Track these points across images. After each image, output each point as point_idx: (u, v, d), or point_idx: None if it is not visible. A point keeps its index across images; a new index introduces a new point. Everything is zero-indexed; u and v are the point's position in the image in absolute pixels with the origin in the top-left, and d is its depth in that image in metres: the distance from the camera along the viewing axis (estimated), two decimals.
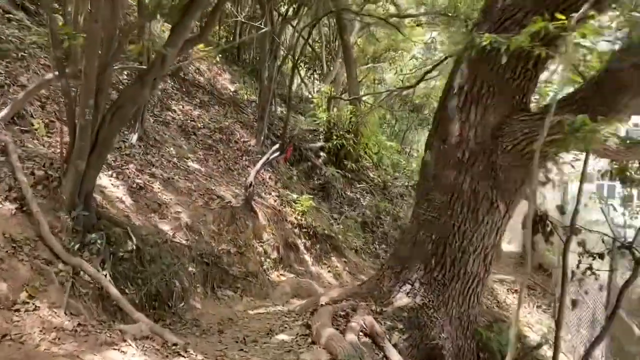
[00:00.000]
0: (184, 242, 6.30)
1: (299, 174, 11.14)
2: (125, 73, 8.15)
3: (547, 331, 7.03)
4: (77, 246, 4.44)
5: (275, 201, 8.92)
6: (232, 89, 13.19)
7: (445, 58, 10.64)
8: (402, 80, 21.41)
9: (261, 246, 7.63)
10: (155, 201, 6.55)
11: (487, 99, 5.14)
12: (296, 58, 9.48)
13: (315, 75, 20.17)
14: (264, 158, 8.18)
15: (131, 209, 6.09)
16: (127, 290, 4.83)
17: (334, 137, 12.20)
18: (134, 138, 7.52)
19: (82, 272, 4.22)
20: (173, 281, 5.79)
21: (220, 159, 9.02)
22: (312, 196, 9.86)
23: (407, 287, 5.52)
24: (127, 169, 6.74)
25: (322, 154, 12.59)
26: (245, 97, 13.35)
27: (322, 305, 5.44)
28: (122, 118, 5.07)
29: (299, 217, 8.95)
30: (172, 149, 8.17)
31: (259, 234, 7.78)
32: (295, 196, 9.16)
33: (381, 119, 16.81)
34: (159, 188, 6.84)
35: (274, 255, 7.88)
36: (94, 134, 4.64)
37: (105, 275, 4.64)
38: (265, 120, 10.26)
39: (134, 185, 6.50)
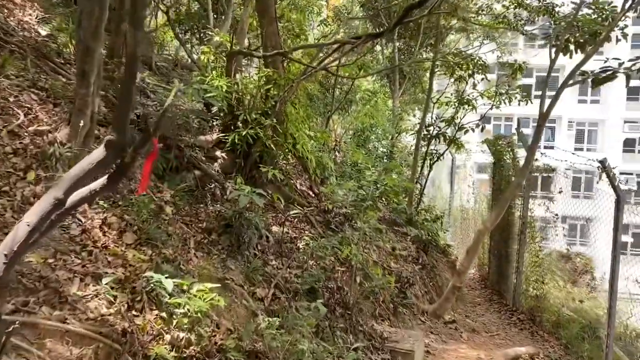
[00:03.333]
0: None
1: (176, 197, 5.38)
2: None
3: None
4: None
5: (112, 304, 3.14)
6: (43, 33, 6.93)
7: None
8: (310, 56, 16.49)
9: None
10: None
11: None
12: None
13: (196, 38, 14.16)
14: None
15: None
16: None
17: (241, 124, 6.59)
18: None
19: None
20: None
21: None
22: (215, 269, 4.19)
23: None
24: None
25: (219, 153, 6.90)
26: (69, 49, 7.13)
27: None
28: None
29: (182, 335, 3.32)
30: None
31: None
32: (168, 284, 3.39)
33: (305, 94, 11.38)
34: None
35: None
36: None
37: None
38: (94, 83, 4.31)
39: None
